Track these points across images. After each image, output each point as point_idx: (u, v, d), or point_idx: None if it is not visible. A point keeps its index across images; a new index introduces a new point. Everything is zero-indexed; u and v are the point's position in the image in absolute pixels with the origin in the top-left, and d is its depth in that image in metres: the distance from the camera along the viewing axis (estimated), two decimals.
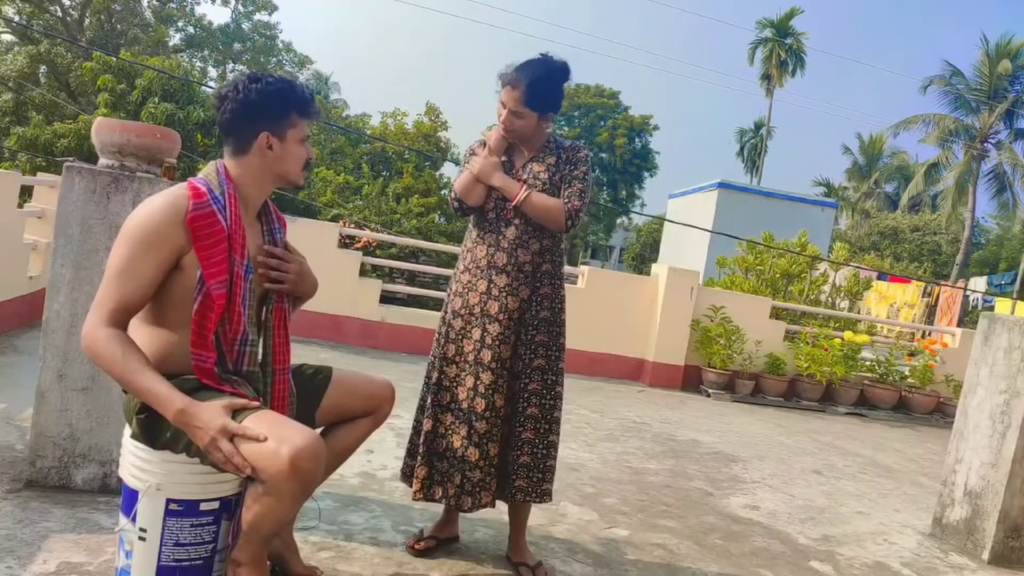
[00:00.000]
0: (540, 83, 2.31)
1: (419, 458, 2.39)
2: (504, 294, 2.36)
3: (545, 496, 2.40)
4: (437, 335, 2.49)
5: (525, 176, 2.38)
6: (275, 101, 1.79)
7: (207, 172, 1.80)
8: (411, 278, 11.12)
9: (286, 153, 1.82)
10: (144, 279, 1.66)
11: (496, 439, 2.36)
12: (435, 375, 2.42)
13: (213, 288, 1.69)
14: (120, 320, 1.65)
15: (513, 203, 2.34)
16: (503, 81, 2.34)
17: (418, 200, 14.07)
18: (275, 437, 1.56)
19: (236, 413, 1.63)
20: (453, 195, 2.47)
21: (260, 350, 1.89)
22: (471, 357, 2.35)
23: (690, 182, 29.73)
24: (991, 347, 3.50)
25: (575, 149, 2.46)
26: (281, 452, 1.53)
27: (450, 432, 2.35)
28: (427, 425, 2.39)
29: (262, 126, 1.78)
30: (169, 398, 1.59)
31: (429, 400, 2.41)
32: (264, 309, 1.90)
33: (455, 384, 2.37)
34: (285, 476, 1.54)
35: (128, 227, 1.68)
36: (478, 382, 2.34)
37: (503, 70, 2.35)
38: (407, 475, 2.48)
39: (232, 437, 1.57)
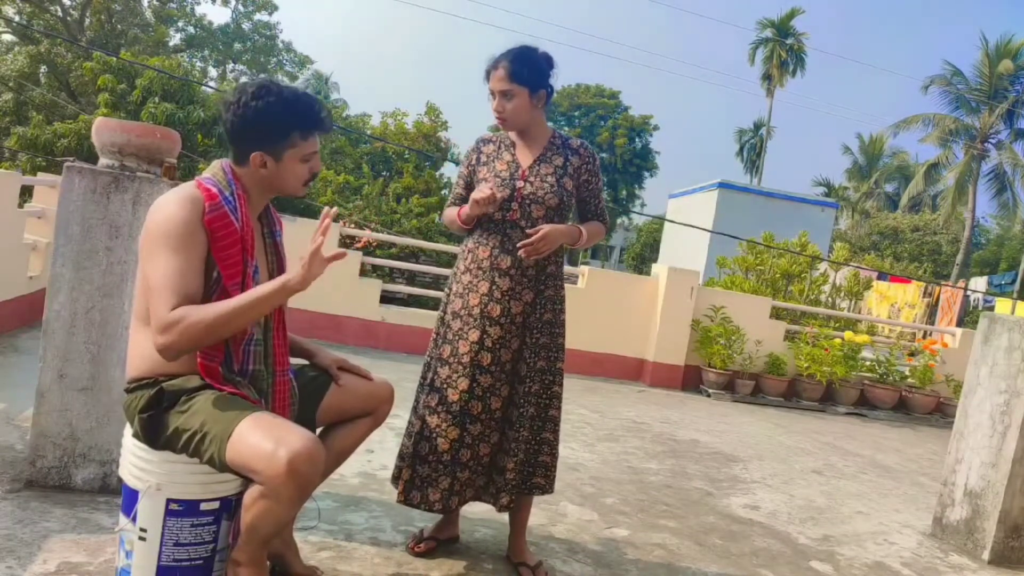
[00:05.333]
0: (521, 57, 2.31)
1: (405, 460, 2.40)
2: (507, 298, 2.34)
3: (535, 489, 2.39)
4: (434, 335, 2.48)
5: (532, 178, 2.36)
6: (272, 122, 1.74)
7: (214, 172, 1.79)
8: (411, 278, 11.12)
9: (281, 172, 1.79)
10: (195, 266, 1.65)
11: (488, 440, 2.36)
12: (429, 376, 2.41)
13: (231, 289, 1.69)
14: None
15: (576, 247, 2.46)
16: (487, 70, 2.35)
17: (418, 200, 14.08)
18: (273, 439, 1.56)
19: (236, 413, 1.64)
20: (444, 223, 2.53)
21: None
22: (466, 359, 2.33)
23: (690, 182, 29.76)
24: (991, 347, 3.50)
25: (587, 152, 2.46)
26: (279, 455, 1.53)
27: (437, 435, 2.32)
28: (415, 427, 2.39)
29: (256, 146, 1.75)
30: (264, 286, 1.64)
31: (421, 401, 2.41)
32: None
33: (447, 386, 2.34)
34: (282, 479, 1.53)
35: (160, 228, 1.65)
36: (475, 384, 2.33)
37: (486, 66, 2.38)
38: (397, 478, 2.47)
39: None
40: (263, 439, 1.56)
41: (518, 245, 2.31)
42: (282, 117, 1.75)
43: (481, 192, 2.26)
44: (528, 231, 2.31)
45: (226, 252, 1.69)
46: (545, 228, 2.29)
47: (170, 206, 1.68)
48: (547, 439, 2.40)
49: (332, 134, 19.24)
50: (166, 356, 1.62)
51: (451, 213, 2.47)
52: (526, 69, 2.30)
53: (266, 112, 1.73)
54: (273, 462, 1.53)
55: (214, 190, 1.72)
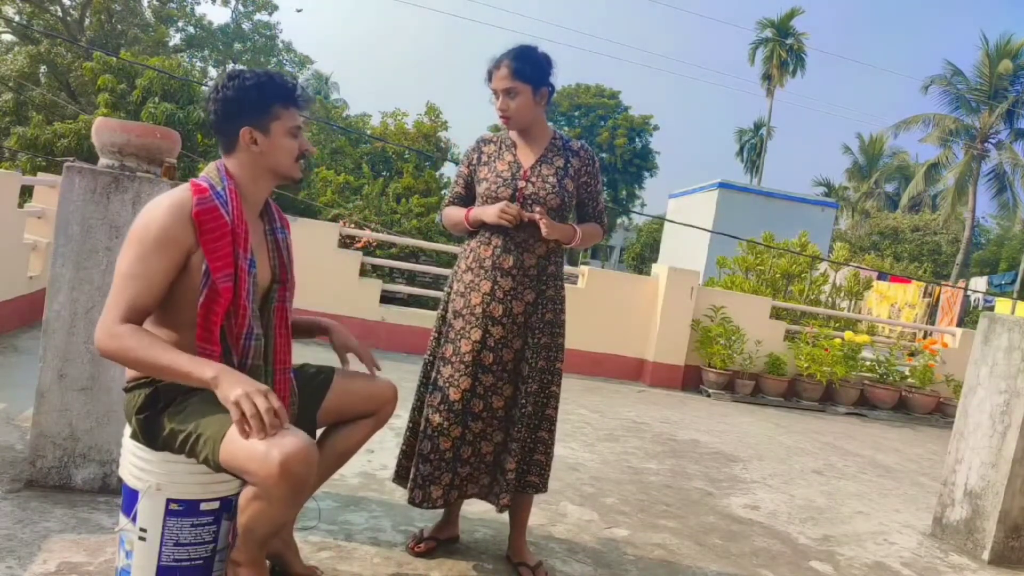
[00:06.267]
0: (523, 55, 2.33)
1: (408, 459, 2.41)
2: (509, 297, 2.34)
3: (528, 487, 2.40)
4: (435, 334, 2.48)
5: (533, 179, 2.37)
6: (253, 95, 1.78)
7: (208, 171, 1.82)
8: (411, 278, 11.13)
9: (272, 147, 1.81)
10: (155, 280, 1.66)
11: (491, 439, 2.37)
12: (432, 375, 2.42)
13: (219, 280, 1.69)
14: (134, 320, 1.66)
15: (571, 247, 2.43)
16: (489, 70, 2.36)
17: (418, 200, 14.09)
18: (266, 440, 1.55)
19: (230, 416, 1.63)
20: (442, 224, 2.55)
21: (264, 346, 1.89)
22: (468, 358, 2.33)
23: (690, 182, 29.75)
24: (991, 347, 3.50)
25: (587, 154, 2.47)
26: (271, 455, 1.52)
27: (439, 433, 2.32)
28: (418, 426, 2.41)
29: (242, 122, 1.78)
30: (202, 364, 1.60)
31: (424, 400, 2.41)
32: (266, 309, 1.90)
33: (449, 384, 2.34)
34: (275, 480, 1.52)
35: (136, 230, 1.68)
36: (476, 383, 2.33)
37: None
38: (401, 476, 2.47)
39: (267, 395, 1.56)
40: (256, 440, 1.56)
41: (539, 221, 2.28)
42: (260, 91, 1.79)
43: (512, 209, 2.27)
44: (529, 216, 2.31)
45: (214, 244, 1.70)
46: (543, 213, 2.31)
47: (152, 211, 1.70)
48: (543, 438, 2.41)
49: (332, 134, 19.24)
50: (99, 351, 1.65)
51: (456, 214, 2.46)
52: (528, 67, 2.32)
53: (244, 88, 1.78)
54: (266, 463, 1.52)
55: (204, 185, 1.75)
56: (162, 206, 1.70)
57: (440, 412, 2.33)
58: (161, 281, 1.67)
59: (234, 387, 1.55)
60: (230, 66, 26.48)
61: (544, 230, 2.28)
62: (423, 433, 2.36)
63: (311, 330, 2.11)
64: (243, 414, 1.52)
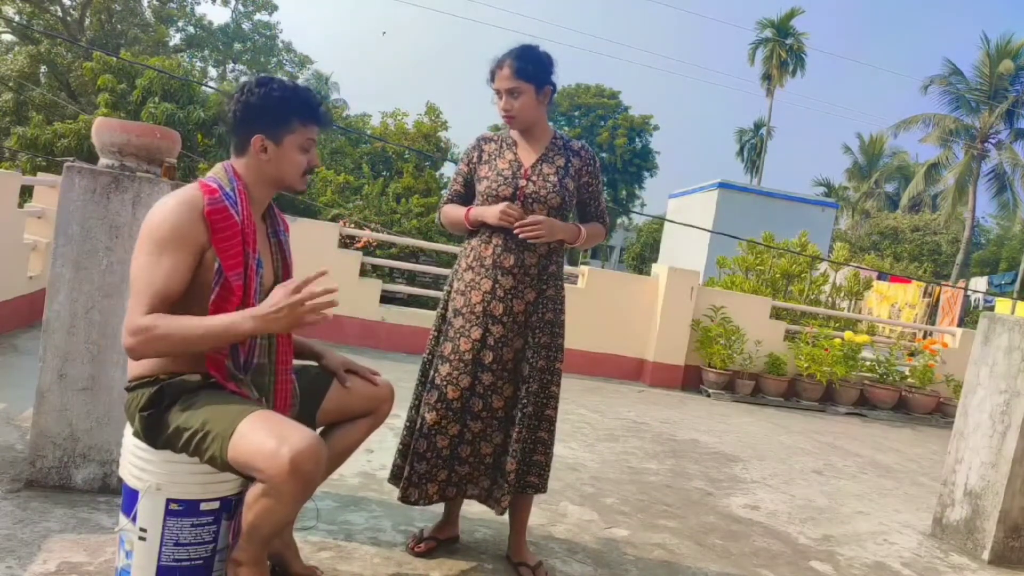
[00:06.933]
0: (525, 54, 2.33)
1: (404, 458, 2.41)
2: (510, 296, 2.34)
3: (528, 488, 2.40)
4: (434, 332, 2.48)
5: (534, 177, 2.37)
6: (275, 106, 1.79)
7: (215, 172, 1.83)
8: (411, 278, 11.12)
9: (281, 158, 1.82)
10: (174, 275, 1.66)
11: (491, 440, 2.37)
12: (430, 373, 2.42)
13: (232, 279, 1.71)
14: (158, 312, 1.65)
15: (575, 246, 2.45)
16: (492, 70, 2.36)
17: (418, 200, 14.08)
18: (276, 437, 1.56)
19: (238, 412, 1.64)
20: (440, 222, 2.54)
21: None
22: (468, 356, 2.33)
23: (690, 182, 29.74)
24: (991, 347, 3.50)
25: (588, 154, 2.48)
26: (281, 453, 1.53)
27: (435, 432, 2.33)
28: (414, 424, 2.41)
29: (257, 129, 1.79)
30: (240, 316, 1.63)
31: (421, 399, 2.42)
32: None
33: (447, 383, 2.34)
34: (285, 477, 1.54)
35: (150, 228, 1.69)
36: (476, 382, 2.33)
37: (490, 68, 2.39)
38: (397, 476, 2.47)
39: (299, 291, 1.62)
40: (266, 437, 1.57)
41: (514, 228, 2.29)
42: (283, 103, 1.80)
43: (515, 211, 2.28)
44: (525, 218, 2.31)
45: (227, 244, 1.71)
46: (541, 216, 2.31)
47: (163, 208, 1.71)
48: (542, 438, 2.41)
49: (332, 134, 19.25)
50: (130, 356, 1.66)
51: (455, 212, 2.46)
52: (531, 66, 2.32)
53: (269, 97, 1.79)
54: (276, 460, 1.53)
55: (214, 186, 1.76)
56: (173, 204, 1.70)
57: (437, 410, 2.33)
58: (180, 277, 1.67)
59: (271, 324, 1.62)
60: (230, 66, 26.53)
61: (533, 239, 2.29)
62: (419, 431, 2.36)
63: (302, 353, 2.10)
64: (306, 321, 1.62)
